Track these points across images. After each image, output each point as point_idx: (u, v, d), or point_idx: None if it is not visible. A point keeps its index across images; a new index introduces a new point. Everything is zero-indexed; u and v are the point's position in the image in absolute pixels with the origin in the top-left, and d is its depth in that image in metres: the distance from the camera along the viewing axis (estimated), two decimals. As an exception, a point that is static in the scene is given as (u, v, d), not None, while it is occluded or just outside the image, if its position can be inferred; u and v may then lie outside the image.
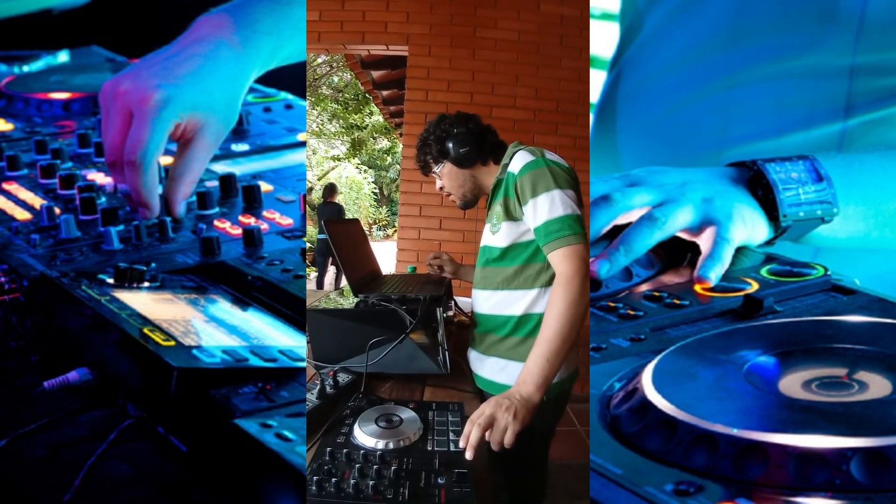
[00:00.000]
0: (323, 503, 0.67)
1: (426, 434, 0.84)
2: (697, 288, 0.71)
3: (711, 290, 0.70)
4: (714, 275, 0.70)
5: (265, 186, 1.09)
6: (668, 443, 0.46)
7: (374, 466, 0.73)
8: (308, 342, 1.21)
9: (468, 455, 0.77)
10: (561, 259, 0.99)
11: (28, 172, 1.14)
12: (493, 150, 1.32)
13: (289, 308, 0.83)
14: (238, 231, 0.98)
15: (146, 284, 0.86)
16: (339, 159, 11.86)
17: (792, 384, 0.51)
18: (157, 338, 0.70)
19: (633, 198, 0.74)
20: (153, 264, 0.89)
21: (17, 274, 0.87)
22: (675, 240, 0.75)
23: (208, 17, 0.98)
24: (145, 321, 0.74)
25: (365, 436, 0.81)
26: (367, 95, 7.61)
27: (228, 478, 0.62)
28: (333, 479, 0.70)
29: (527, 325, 1.17)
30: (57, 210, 1.01)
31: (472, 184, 1.33)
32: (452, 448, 0.80)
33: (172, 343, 0.70)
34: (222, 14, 0.98)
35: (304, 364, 0.70)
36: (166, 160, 1.01)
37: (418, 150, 1.39)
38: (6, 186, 1.10)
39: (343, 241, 1.41)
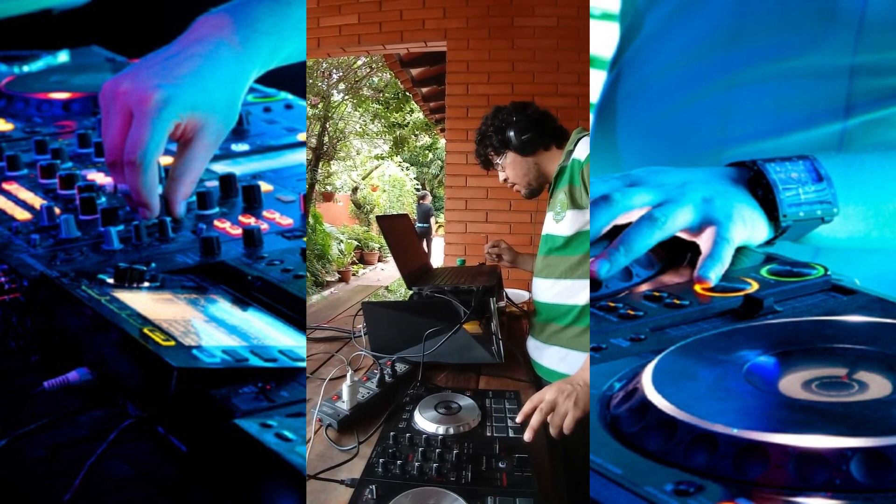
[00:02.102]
0: (389, 483, 0.68)
1: (484, 420, 0.86)
2: (697, 288, 0.71)
3: (711, 290, 0.70)
4: (714, 275, 0.70)
5: (265, 186, 1.09)
6: (668, 443, 0.46)
7: (437, 450, 0.75)
8: (366, 333, 1.23)
9: (527, 437, 0.77)
10: None
11: (28, 172, 1.14)
12: (555, 135, 1.31)
13: (289, 308, 0.83)
14: (238, 231, 0.98)
15: (146, 284, 0.86)
16: (382, 158, 12.02)
17: (792, 384, 0.51)
18: (157, 338, 0.70)
19: (633, 198, 0.74)
20: (153, 264, 0.89)
21: (17, 274, 0.87)
22: (675, 240, 0.75)
23: (208, 17, 0.98)
24: (145, 321, 0.74)
25: (425, 421, 0.83)
26: (406, 94, 7.74)
27: (228, 478, 0.62)
28: (398, 462, 0.72)
29: (590, 315, 1.16)
30: (57, 210, 1.01)
31: (537, 171, 1.31)
32: (511, 434, 0.82)
33: (172, 343, 0.70)
34: (222, 14, 0.98)
35: (304, 364, 0.70)
36: (166, 160, 1.01)
37: (477, 143, 1.38)
38: (6, 186, 1.10)
39: (394, 235, 1.43)
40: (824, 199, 0.75)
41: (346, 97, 9.00)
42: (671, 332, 0.64)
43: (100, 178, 1.11)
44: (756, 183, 0.76)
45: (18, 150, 1.17)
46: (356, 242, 9.54)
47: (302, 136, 1.25)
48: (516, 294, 1.79)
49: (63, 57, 1.54)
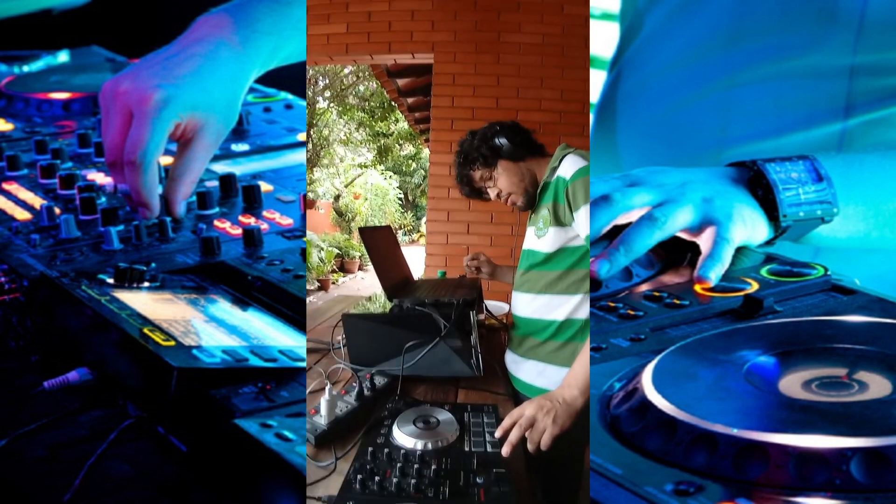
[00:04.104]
0: (367, 500, 0.68)
1: (462, 435, 0.85)
2: (697, 288, 0.71)
3: (711, 290, 0.70)
4: (714, 275, 0.70)
5: (265, 186, 1.09)
6: (668, 443, 0.46)
7: (415, 466, 0.75)
8: (345, 345, 1.23)
9: (504, 452, 0.77)
10: None
11: (28, 172, 1.14)
12: (539, 148, 1.31)
13: (289, 308, 0.83)
14: (238, 231, 0.98)
15: (146, 284, 0.86)
16: (365, 166, 12.07)
17: (792, 384, 0.51)
18: (157, 338, 0.70)
19: (633, 198, 0.74)
20: (153, 264, 0.89)
21: (17, 274, 0.87)
22: (675, 240, 0.75)
23: (208, 17, 0.98)
24: (145, 321, 0.74)
25: (404, 436, 0.83)
26: (392, 103, 7.77)
27: (228, 478, 0.62)
28: (376, 478, 0.71)
29: (568, 330, 1.16)
30: (57, 210, 1.01)
31: (531, 176, 1.30)
32: (490, 449, 0.82)
33: (172, 343, 0.70)
34: (222, 14, 0.98)
35: (304, 364, 0.70)
36: (166, 160, 1.01)
37: (461, 166, 1.36)
38: (6, 186, 1.10)
39: (376, 247, 1.42)
40: (824, 199, 0.75)
41: (332, 105, 8.97)
42: (671, 332, 0.64)
43: (100, 178, 1.11)
44: (756, 183, 0.76)
45: (18, 150, 1.17)
46: (337, 250, 9.45)
47: (302, 136, 1.25)
48: (496, 306, 1.79)
49: (63, 57, 1.54)
